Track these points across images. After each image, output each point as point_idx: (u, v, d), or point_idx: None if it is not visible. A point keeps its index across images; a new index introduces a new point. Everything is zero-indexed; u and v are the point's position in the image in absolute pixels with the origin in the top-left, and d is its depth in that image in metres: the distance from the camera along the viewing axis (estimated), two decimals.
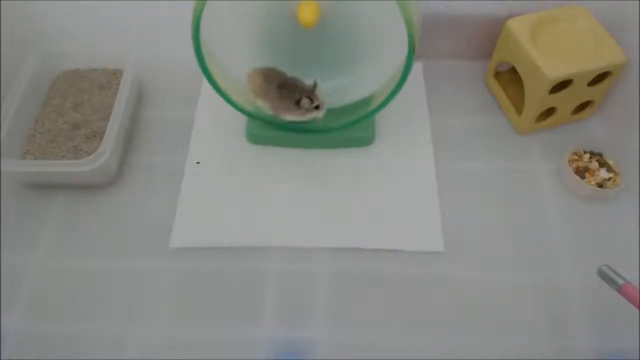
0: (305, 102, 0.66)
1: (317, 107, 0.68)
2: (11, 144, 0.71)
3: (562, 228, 0.69)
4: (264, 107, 0.69)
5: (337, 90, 0.71)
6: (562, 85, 0.70)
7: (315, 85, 0.68)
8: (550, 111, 0.75)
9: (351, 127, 0.71)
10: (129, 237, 0.68)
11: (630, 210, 0.70)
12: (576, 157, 0.73)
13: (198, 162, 0.75)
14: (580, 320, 0.62)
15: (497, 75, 0.82)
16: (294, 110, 0.68)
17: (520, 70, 0.73)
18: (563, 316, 0.63)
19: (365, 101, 0.71)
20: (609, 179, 0.71)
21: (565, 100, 0.73)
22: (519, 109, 0.77)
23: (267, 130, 0.73)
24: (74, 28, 0.81)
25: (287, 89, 0.67)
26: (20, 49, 0.78)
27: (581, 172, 0.71)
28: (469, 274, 0.65)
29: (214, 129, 0.78)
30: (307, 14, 0.57)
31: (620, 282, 0.53)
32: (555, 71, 0.68)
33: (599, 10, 0.74)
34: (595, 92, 0.74)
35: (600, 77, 0.72)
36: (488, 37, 0.81)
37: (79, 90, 0.80)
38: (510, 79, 0.80)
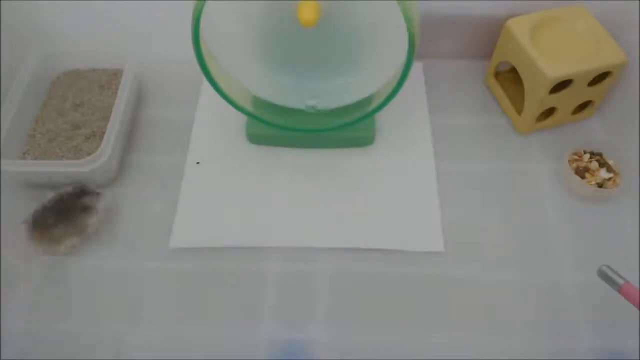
0: (88, 199, 0.66)
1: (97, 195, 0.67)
2: (11, 144, 0.71)
3: (562, 228, 0.69)
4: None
5: (337, 90, 0.71)
6: (562, 85, 0.70)
7: (81, 183, 0.67)
8: (550, 111, 0.75)
9: (351, 127, 0.71)
10: (129, 237, 0.68)
11: (630, 210, 0.70)
12: (576, 157, 0.73)
13: (198, 162, 0.75)
14: (580, 320, 0.62)
15: (497, 75, 0.82)
16: (88, 217, 0.66)
17: (520, 70, 0.73)
18: (563, 316, 0.63)
19: (365, 101, 0.71)
20: (609, 179, 0.71)
21: (565, 100, 0.73)
22: (519, 109, 0.77)
23: (267, 130, 0.73)
24: (74, 28, 0.81)
25: (67, 211, 0.65)
26: (20, 49, 0.78)
27: (581, 172, 0.71)
28: (469, 274, 0.65)
29: (214, 129, 0.78)
30: (308, 13, 0.57)
31: (620, 282, 0.53)
32: (555, 71, 0.68)
33: (599, 10, 0.74)
34: (595, 92, 0.74)
35: (600, 77, 0.72)
36: (488, 37, 0.81)
37: (79, 90, 0.80)
38: (510, 79, 0.80)
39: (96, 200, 0.66)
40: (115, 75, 0.81)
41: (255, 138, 0.76)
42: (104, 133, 0.70)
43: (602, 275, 0.54)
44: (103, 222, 0.68)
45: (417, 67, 0.85)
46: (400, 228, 0.69)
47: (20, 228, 0.65)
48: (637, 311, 0.52)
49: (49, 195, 0.66)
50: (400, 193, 0.72)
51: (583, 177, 0.71)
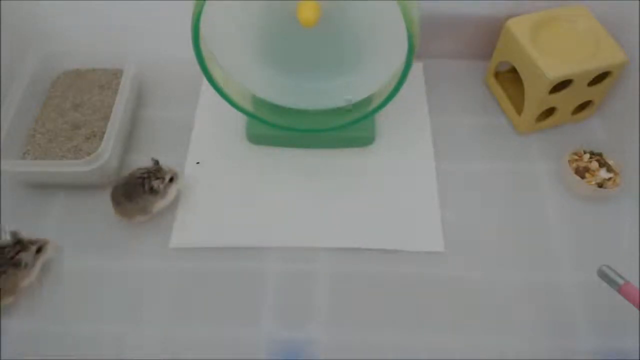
0: (156, 183, 0.65)
1: (171, 180, 0.67)
2: (11, 144, 0.71)
3: (562, 228, 0.69)
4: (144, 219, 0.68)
5: (337, 89, 0.71)
6: (562, 85, 0.70)
7: (156, 163, 0.68)
8: (550, 111, 0.75)
9: (351, 127, 0.71)
10: (129, 237, 0.68)
11: (630, 210, 0.70)
12: (576, 157, 0.73)
13: (198, 162, 0.75)
14: (580, 320, 0.62)
15: (497, 75, 0.82)
16: (155, 199, 0.67)
17: (520, 70, 0.73)
18: (563, 316, 0.63)
19: (365, 101, 0.71)
20: (609, 179, 0.71)
21: (565, 100, 0.73)
22: (519, 109, 0.77)
23: (267, 130, 0.73)
24: (74, 28, 0.81)
25: (133, 190, 0.66)
26: (20, 49, 0.78)
27: (581, 172, 0.71)
28: (469, 274, 0.65)
29: (214, 129, 0.78)
30: (308, 13, 0.57)
31: (620, 282, 0.53)
32: (555, 71, 0.68)
33: (599, 10, 0.74)
34: (595, 92, 0.74)
35: (600, 77, 0.72)
36: (488, 37, 0.81)
37: (79, 90, 0.80)
38: (510, 79, 0.80)
39: (162, 184, 0.66)
40: (115, 75, 0.81)
41: (255, 138, 0.76)
42: (104, 133, 0.70)
43: (602, 275, 0.54)
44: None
45: (417, 67, 0.85)
46: (400, 228, 0.69)
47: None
48: (637, 311, 0.52)
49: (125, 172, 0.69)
50: (400, 193, 0.72)
51: (583, 177, 0.71)
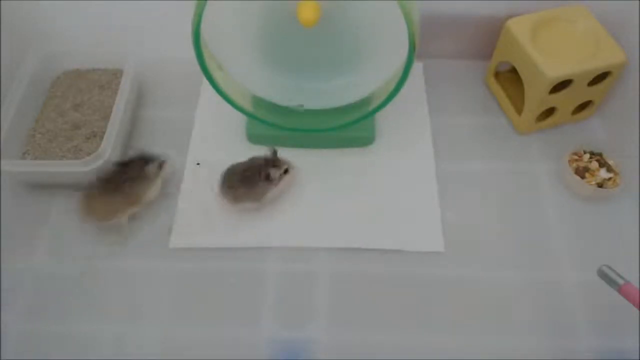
0: (273, 172, 0.66)
1: (286, 171, 0.68)
2: (11, 144, 0.71)
3: (562, 228, 0.69)
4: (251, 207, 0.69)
5: (337, 89, 0.71)
6: (562, 85, 0.70)
7: (275, 152, 0.68)
8: (550, 111, 0.75)
9: (351, 127, 0.71)
10: (129, 237, 0.68)
11: (630, 210, 0.70)
12: (576, 157, 0.73)
13: (198, 164, 0.75)
14: (580, 320, 0.62)
15: (497, 75, 0.82)
16: (268, 187, 0.67)
17: (520, 70, 0.73)
18: (563, 316, 0.63)
19: (365, 101, 0.71)
20: (609, 179, 0.71)
21: (565, 100, 0.73)
22: (519, 109, 0.77)
23: (267, 130, 0.73)
24: (74, 28, 0.81)
25: (249, 172, 0.67)
26: (20, 49, 0.78)
27: (581, 172, 0.71)
28: (469, 274, 0.65)
29: (214, 129, 0.78)
30: (308, 13, 0.57)
31: (620, 282, 0.53)
32: (555, 71, 0.68)
33: (599, 10, 0.74)
34: (595, 92, 0.74)
35: (600, 77, 0.72)
36: (488, 37, 0.81)
37: (79, 90, 0.80)
38: (510, 79, 0.80)
39: (278, 173, 0.67)
40: (115, 75, 0.81)
41: (255, 138, 0.76)
42: (104, 133, 0.70)
43: (602, 275, 0.54)
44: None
45: (417, 67, 0.85)
46: (400, 228, 0.69)
47: None
48: (637, 311, 0.52)
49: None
50: (400, 193, 0.72)
51: (583, 177, 0.71)
